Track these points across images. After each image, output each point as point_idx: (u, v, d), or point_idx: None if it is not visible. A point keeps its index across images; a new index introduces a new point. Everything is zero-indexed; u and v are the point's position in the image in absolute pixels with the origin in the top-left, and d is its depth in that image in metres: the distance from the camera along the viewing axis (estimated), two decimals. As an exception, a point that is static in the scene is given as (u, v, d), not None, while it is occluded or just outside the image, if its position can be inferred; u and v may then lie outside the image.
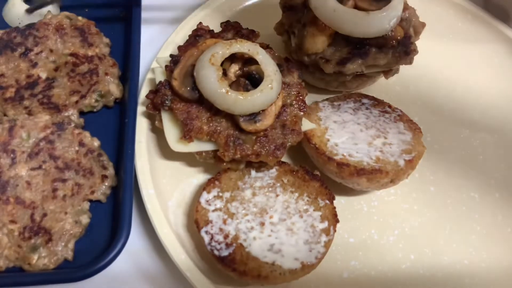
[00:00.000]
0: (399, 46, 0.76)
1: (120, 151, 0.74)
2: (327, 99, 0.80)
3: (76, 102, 0.77)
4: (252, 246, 0.62)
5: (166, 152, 0.73)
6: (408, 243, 0.72)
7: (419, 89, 0.90)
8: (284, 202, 0.67)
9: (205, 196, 0.67)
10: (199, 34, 0.77)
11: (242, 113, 0.66)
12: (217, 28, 0.80)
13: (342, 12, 0.71)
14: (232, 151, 0.66)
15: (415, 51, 0.78)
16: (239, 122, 0.67)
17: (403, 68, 0.82)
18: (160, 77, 0.75)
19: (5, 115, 0.76)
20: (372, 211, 0.75)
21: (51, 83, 0.78)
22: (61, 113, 0.76)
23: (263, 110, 0.67)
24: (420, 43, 0.80)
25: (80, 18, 0.87)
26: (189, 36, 0.78)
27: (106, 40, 0.86)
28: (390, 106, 0.79)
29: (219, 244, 0.62)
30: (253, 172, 0.70)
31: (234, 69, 0.71)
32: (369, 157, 0.69)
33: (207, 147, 0.69)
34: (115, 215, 0.70)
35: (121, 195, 0.68)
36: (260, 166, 0.70)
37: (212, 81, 0.65)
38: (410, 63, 0.79)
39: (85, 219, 0.68)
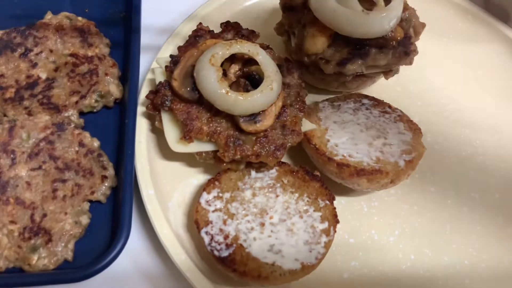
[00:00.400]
0: (399, 47, 0.76)
1: (120, 152, 0.74)
2: (327, 100, 0.80)
3: (76, 102, 0.77)
4: (252, 247, 0.62)
5: (166, 152, 0.73)
6: (408, 244, 0.72)
7: (419, 89, 0.90)
8: (284, 203, 0.67)
9: (205, 196, 0.67)
10: (199, 35, 0.77)
11: (242, 114, 0.66)
12: (217, 28, 0.79)
13: (342, 13, 0.71)
14: (232, 152, 0.66)
15: (415, 52, 0.78)
16: (239, 123, 0.67)
17: (403, 68, 0.82)
18: (160, 77, 0.75)
19: (5, 115, 0.76)
20: (372, 211, 0.74)
21: (51, 84, 0.78)
22: (61, 114, 0.76)
23: (263, 111, 0.67)
24: (420, 44, 0.80)
25: (80, 18, 0.87)
26: (189, 36, 0.78)
27: (106, 40, 0.86)
28: (390, 107, 0.79)
29: (219, 244, 0.62)
30: (253, 173, 0.70)
31: (234, 69, 0.71)
32: (369, 157, 0.69)
33: (207, 147, 0.69)
34: (115, 215, 0.70)
35: (121, 196, 0.68)
36: (260, 166, 0.70)
37: (212, 82, 0.65)
38: (410, 63, 0.79)
39: (85, 220, 0.68)
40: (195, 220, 0.65)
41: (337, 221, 0.66)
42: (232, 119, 0.68)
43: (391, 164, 0.69)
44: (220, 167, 0.70)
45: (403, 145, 0.72)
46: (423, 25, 0.81)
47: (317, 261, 0.62)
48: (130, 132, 0.73)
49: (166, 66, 0.74)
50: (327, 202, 0.67)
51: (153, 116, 0.75)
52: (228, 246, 0.62)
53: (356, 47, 0.75)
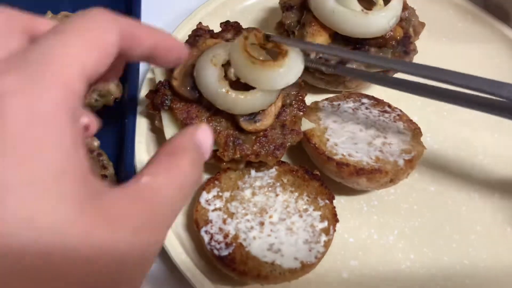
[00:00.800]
0: (398, 46, 0.76)
1: (120, 151, 0.74)
2: (326, 99, 0.80)
3: (76, 102, 0.77)
4: (251, 246, 0.62)
5: (166, 152, 0.73)
6: (408, 243, 0.72)
7: (419, 89, 0.90)
8: (283, 202, 0.67)
9: (204, 195, 0.67)
10: (199, 34, 0.77)
11: (243, 113, 0.66)
12: (217, 28, 0.80)
13: (341, 13, 0.72)
14: (231, 151, 0.66)
15: (414, 51, 0.78)
16: (239, 122, 0.67)
17: (403, 68, 0.82)
18: (160, 76, 0.75)
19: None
20: (372, 210, 0.75)
21: (51, 83, 0.78)
22: (61, 113, 0.76)
23: (262, 110, 0.67)
24: (419, 43, 0.80)
25: (80, 18, 0.87)
26: (189, 36, 0.78)
27: (106, 40, 0.86)
28: (390, 106, 0.79)
29: (218, 243, 0.62)
30: (253, 172, 0.70)
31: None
32: (369, 156, 0.69)
33: (207, 147, 0.69)
34: (114, 215, 0.69)
35: (121, 195, 0.68)
36: (260, 165, 0.70)
37: (213, 81, 0.65)
38: (410, 63, 0.79)
39: (85, 219, 0.68)
40: (195, 219, 0.65)
41: (337, 220, 0.66)
42: (232, 118, 0.68)
43: (391, 164, 0.69)
44: (219, 166, 0.70)
45: (402, 145, 0.72)
46: (423, 25, 0.82)
47: (317, 260, 0.62)
48: (130, 132, 0.73)
49: (166, 66, 0.74)
50: (327, 201, 0.67)
51: (153, 115, 0.75)
52: (227, 245, 0.62)
53: (356, 46, 0.75)
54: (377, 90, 0.85)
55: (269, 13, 0.96)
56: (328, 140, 0.72)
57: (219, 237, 0.63)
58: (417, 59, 0.79)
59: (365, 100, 0.79)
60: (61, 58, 0.30)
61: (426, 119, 0.84)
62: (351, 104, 0.78)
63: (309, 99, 0.79)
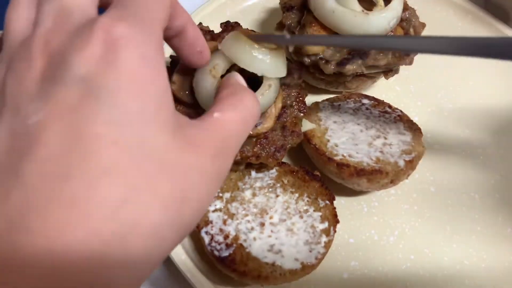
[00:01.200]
0: (399, 47, 0.76)
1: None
2: (327, 100, 0.80)
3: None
4: (252, 247, 0.62)
5: (166, 152, 0.73)
6: (408, 244, 0.72)
7: (419, 89, 0.90)
8: (284, 203, 0.67)
9: (205, 196, 0.67)
10: (199, 35, 0.77)
11: (242, 116, 0.66)
12: (217, 29, 0.80)
13: (341, 13, 0.72)
14: (232, 152, 0.66)
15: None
16: (239, 124, 0.66)
17: (403, 68, 0.82)
18: (160, 78, 0.75)
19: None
20: (372, 211, 0.75)
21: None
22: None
23: (263, 113, 0.67)
24: (420, 44, 0.80)
25: (80, 18, 0.87)
26: (189, 36, 0.77)
27: (106, 40, 0.86)
28: (390, 106, 0.79)
29: (219, 244, 0.62)
30: (253, 173, 0.70)
31: (233, 70, 0.71)
32: (369, 157, 0.69)
33: (207, 148, 0.69)
34: (115, 215, 0.69)
35: (122, 196, 0.68)
36: (261, 166, 0.70)
37: (213, 94, 0.63)
38: (410, 63, 0.79)
39: (85, 220, 0.68)
40: (195, 220, 0.65)
41: (337, 221, 0.66)
42: (232, 119, 0.68)
43: (391, 164, 0.69)
44: (220, 167, 0.70)
45: (403, 145, 0.72)
46: (423, 25, 0.82)
47: (317, 261, 0.62)
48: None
49: (166, 67, 0.74)
50: (327, 202, 0.67)
51: (153, 116, 0.74)
52: (228, 246, 0.62)
53: (356, 47, 0.75)
54: (377, 91, 0.86)
55: (270, 14, 0.96)
56: (328, 141, 0.72)
57: (220, 238, 0.63)
58: (417, 59, 0.79)
59: (365, 101, 0.79)
60: (152, 10, 0.35)
61: (427, 119, 0.84)
62: (351, 105, 0.78)
63: (310, 99, 0.79)
